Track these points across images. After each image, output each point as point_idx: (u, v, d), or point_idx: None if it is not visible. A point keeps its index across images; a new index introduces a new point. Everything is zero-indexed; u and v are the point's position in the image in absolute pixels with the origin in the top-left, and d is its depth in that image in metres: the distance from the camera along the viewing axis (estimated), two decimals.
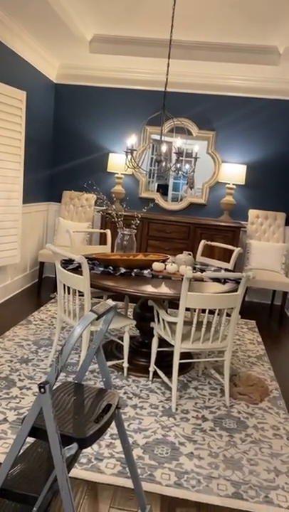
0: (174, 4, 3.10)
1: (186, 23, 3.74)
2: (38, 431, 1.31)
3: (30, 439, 1.39)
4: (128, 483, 1.92)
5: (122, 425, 1.62)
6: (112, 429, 2.26)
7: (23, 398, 2.57)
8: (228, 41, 4.11)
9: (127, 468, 2.01)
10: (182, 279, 2.48)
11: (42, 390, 1.22)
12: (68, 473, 1.33)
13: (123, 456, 2.09)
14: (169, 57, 3.21)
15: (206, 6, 3.38)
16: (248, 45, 4.14)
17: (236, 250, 3.51)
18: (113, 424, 1.56)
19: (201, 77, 4.90)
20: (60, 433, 1.26)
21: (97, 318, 1.34)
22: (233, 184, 4.94)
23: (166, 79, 3.25)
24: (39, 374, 2.89)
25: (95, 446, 2.17)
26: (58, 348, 3.12)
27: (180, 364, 2.63)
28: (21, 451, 1.42)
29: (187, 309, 2.57)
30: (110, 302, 1.49)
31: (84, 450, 2.11)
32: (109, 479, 1.96)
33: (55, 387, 1.46)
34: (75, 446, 1.29)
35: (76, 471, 1.98)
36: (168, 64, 3.20)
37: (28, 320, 3.89)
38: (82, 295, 2.66)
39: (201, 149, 5.02)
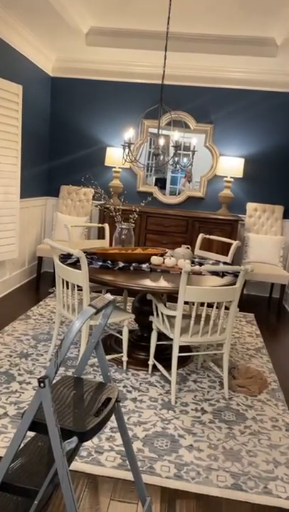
0: None
1: (183, 14, 3.70)
2: (38, 425, 1.31)
3: (31, 433, 1.40)
4: (128, 476, 1.93)
5: (121, 418, 1.63)
6: (112, 422, 2.28)
7: (22, 393, 2.58)
8: (226, 33, 4.08)
9: (127, 461, 2.02)
10: (181, 272, 2.48)
11: (41, 384, 1.23)
12: (69, 466, 1.33)
13: (123, 449, 2.11)
14: (166, 50, 3.18)
15: None
16: (246, 37, 4.10)
17: (234, 243, 3.51)
18: (113, 417, 1.57)
19: (199, 70, 4.87)
20: (60, 427, 1.26)
21: (96, 313, 1.34)
22: (231, 177, 4.93)
23: (164, 72, 3.22)
24: (39, 368, 2.90)
25: (95, 439, 2.18)
26: (57, 343, 3.13)
27: (179, 357, 2.64)
28: (22, 445, 1.42)
29: (186, 303, 2.57)
30: (109, 296, 1.49)
31: (84, 443, 2.12)
32: (109, 472, 1.98)
33: (54, 381, 1.47)
34: (75, 439, 1.30)
35: (76, 464, 2.00)
36: (165, 56, 3.18)
37: (27, 315, 3.89)
38: (81, 289, 2.66)
39: (199, 142, 5.01)
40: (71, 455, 1.60)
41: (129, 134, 3.21)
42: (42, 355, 3.11)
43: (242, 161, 4.93)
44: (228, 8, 3.49)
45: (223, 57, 4.35)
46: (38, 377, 2.75)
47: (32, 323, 3.69)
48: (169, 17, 3.15)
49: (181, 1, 3.42)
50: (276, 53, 4.13)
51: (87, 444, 2.15)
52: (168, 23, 3.15)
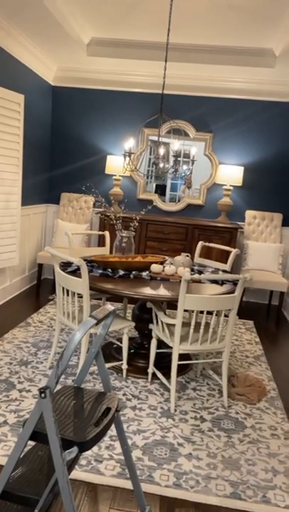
0: (171, 8, 3.13)
1: (182, 26, 3.76)
2: (38, 435, 1.33)
3: (31, 442, 1.42)
4: (128, 485, 1.94)
5: (121, 427, 1.64)
6: (112, 430, 2.29)
7: (22, 401, 2.59)
8: (225, 44, 4.14)
9: (126, 470, 2.03)
10: (180, 280, 2.51)
11: (42, 395, 1.24)
12: (68, 475, 1.35)
13: (122, 457, 2.12)
14: (166, 61, 3.23)
15: (203, 9, 3.40)
16: (245, 48, 4.16)
17: (234, 251, 3.53)
18: (113, 426, 1.58)
19: (198, 80, 4.92)
20: (60, 437, 1.28)
21: (97, 324, 1.36)
22: (230, 185, 4.97)
23: (164, 82, 3.27)
24: (38, 376, 2.91)
25: (94, 448, 2.20)
26: (57, 350, 3.15)
27: (178, 365, 2.66)
28: (22, 455, 1.44)
29: (185, 310, 2.59)
30: (109, 307, 1.51)
31: (84, 452, 2.13)
32: (108, 481, 1.99)
33: (55, 390, 1.48)
34: (75, 449, 1.31)
35: (76, 473, 2.01)
36: (165, 67, 3.23)
37: (27, 322, 3.91)
38: (81, 297, 2.68)
39: (199, 151, 5.05)
40: (71, 464, 1.61)
41: (130, 143, 3.24)
42: (42, 362, 3.12)
43: (241, 169, 4.97)
44: (227, 19, 3.54)
45: (222, 67, 4.40)
46: (38, 385, 2.76)
47: (32, 331, 3.71)
48: (168, 28, 3.20)
49: (180, 13, 3.48)
50: (274, 64, 4.18)
51: (87, 452, 2.16)
52: (168, 35, 3.20)
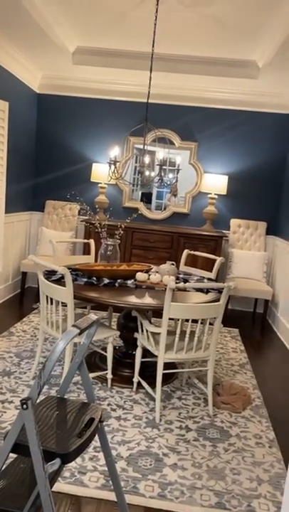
0: (156, 19, 3.16)
1: (168, 37, 3.81)
2: (20, 447, 1.30)
3: (13, 455, 1.38)
4: (112, 496, 1.91)
5: (105, 438, 1.62)
6: (96, 441, 2.25)
7: (4, 412, 2.54)
8: (209, 55, 4.20)
9: (110, 481, 2.00)
10: (165, 289, 2.51)
11: (24, 406, 1.22)
12: (51, 488, 1.32)
13: (106, 468, 2.09)
14: (151, 70, 3.26)
15: (187, 22, 3.45)
16: (228, 59, 4.23)
17: (218, 260, 3.55)
18: (96, 436, 1.56)
19: (183, 90, 4.98)
20: (42, 448, 1.25)
21: (80, 333, 1.34)
22: (215, 194, 5.02)
23: (149, 92, 3.30)
24: (21, 387, 2.86)
25: (78, 459, 2.16)
26: (40, 360, 3.10)
27: (164, 374, 2.65)
28: (4, 467, 1.41)
29: (170, 319, 2.59)
30: (93, 316, 1.50)
31: (66, 464, 2.09)
32: (92, 493, 1.96)
33: (37, 401, 1.46)
34: (57, 461, 1.29)
35: (59, 485, 1.97)
36: (150, 77, 3.25)
37: (10, 331, 3.85)
38: (66, 306, 2.65)
39: (184, 159, 5.10)
40: (54, 476, 1.58)
41: (115, 151, 3.25)
42: (25, 373, 3.07)
43: (226, 178, 5.02)
44: (211, 32, 3.60)
45: (207, 78, 4.46)
46: (21, 396, 2.71)
47: (15, 340, 3.65)
48: (154, 39, 3.24)
49: (166, 24, 3.52)
50: (258, 75, 4.26)
51: (70, 464, 2.12)
52: (153, 45, 3.24)
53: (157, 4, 3.08)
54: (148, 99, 3.35)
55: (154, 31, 3.22)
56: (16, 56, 4.37)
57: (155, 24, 3.17)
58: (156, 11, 3.11)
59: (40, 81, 5.17)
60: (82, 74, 4.87)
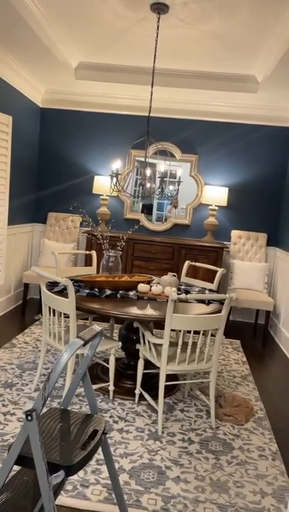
0: (157, 36, 3.23)
1: (169, 52, 3.88)
2: (24, 459, 1.31)
3: (16, 467, 1.39)
4: (115, 510, 1.90)
5: (108, 450, 1.62)
6: (98, 454, 2.25)
7: (7, 424, 2.53)
8: (210, 70, 4.28)
9: (113, 495, 1.99)
10: (167, 300, 2.52)
11: (29, 417, 1.23)
12: (55, 500, 1.32)
13: (109, 481, 2.08)
14: (152, 85, 3.32)
15: (188, 38, 3.52)
16: (228, 74, 4.30)
17: (220, 271, 3.57)
18: (99, 449, 1.56)
19: (184, 104, 5.05)
20: (46, 460, 1.26)
21: (84, 345, 1.36)
22: (216, 206, 5.06)
23: (150, 106, 3.35)
24: (23, 399, 2.86)
25: (80, 472, 2.15)
26: (42, 372, 3.10)
27: (166, 386, 2.64)
28: (7, 480, 1.41)
29: (172, 330, 2.59)
30: (96, 327, 1.51)
31: (69, 477, 2.08)
32: (95, 506, 1.94)
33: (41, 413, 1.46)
34: (62, 473, 1.29)
35: (62, 499, 1.96)
36: (151, 92, 3.31)
37: (12, 343, 3.85)
38: (68, 317, 2.66)
39: (185, 172, 5.16)
40: (57, 489, 1.57)
41: (117, 164, 3.29)
42: (27, 384, 3.07)
43: (226, 190, 5.07)
44: (211, 48, 3.67)
45: (207, 92, 4.53)
46: (23, 408, 2.71)
47: (17, 352, 3.65)
48: (155, 55, 3.30)
49: (167, 40, 3.60)
50: (257, 89, 4.32)
51: (73, 477, 2.11)
52: (154, 61, 3.30)
53: (158, 21, 3.15)
54: (149, 113, 3.40)
55: (156, 47, 3.28)
56: (20, 71, 4.45)
57: (156, 40, 3.24)
58: (158, 28, 3.18)
59: (43, 96, 5.26)
60: (85, 89, 4.95)
